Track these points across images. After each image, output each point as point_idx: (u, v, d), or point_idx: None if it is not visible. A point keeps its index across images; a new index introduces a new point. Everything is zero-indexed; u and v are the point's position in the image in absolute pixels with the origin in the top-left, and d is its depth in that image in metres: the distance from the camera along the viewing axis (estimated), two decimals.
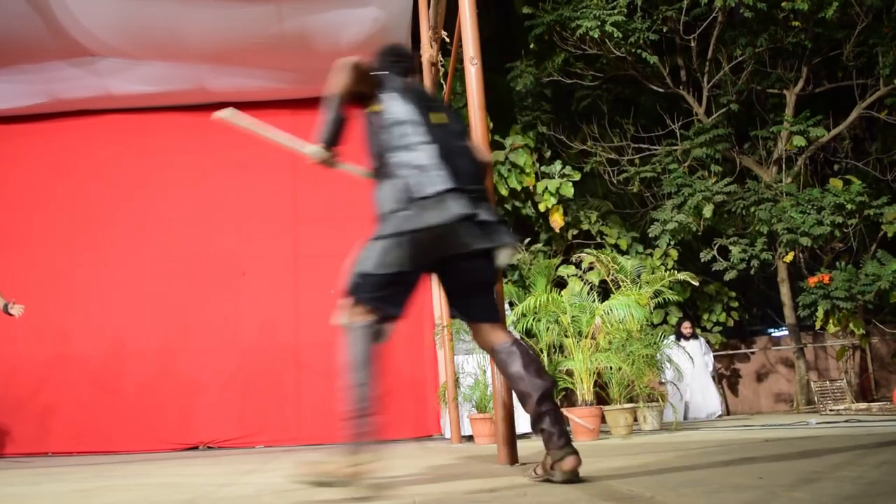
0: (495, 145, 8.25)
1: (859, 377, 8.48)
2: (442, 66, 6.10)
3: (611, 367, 5.60)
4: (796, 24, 8.14)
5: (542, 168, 8.52)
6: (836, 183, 7.90)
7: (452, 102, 7.73)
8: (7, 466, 5.42)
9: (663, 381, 6.59)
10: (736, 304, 8.87)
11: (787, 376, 9.00)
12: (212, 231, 7.35)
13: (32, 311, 6.24)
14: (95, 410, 6.87)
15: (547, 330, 5.71)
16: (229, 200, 7.40)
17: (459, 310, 2.52)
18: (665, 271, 6.62)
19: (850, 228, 7.75)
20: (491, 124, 7.24)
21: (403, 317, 2.37)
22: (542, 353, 5.75)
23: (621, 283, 6.27)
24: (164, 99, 7.39)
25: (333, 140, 2.45)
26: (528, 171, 8.29)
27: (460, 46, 3.79)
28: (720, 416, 7.86)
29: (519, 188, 8.30)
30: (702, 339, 8.26)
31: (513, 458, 3.27)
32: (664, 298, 6.40)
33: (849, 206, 7.38)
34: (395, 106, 2.43)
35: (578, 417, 5.21)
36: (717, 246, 8.16)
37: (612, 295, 5.93)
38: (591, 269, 6.66)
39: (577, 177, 8.44)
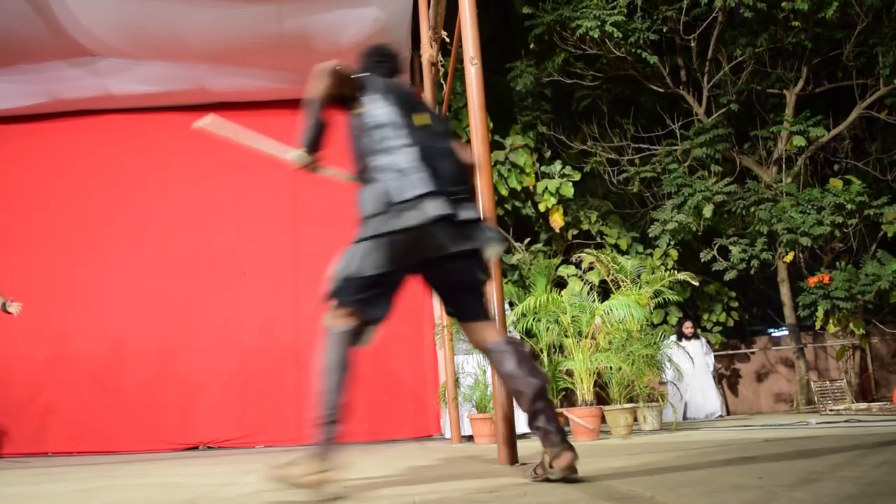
0: (495, 145, 8.26)
1: (859, 377, 8.48)
2: (442, 66, 6.10)
3: (611, 367, 5.60)
4: (796, 24, 8.14)
5: (542, 168, 8.52)
6: (836, 183, 7.90)
7: (452, 102, 7.73)
8: (7, 466, 5.42)
9: (664, 380, 6.59)
10: (736, 304, 8.87)
11: (787, 376, 9.00)
12: (212, 231, 7.35)
13: (33, 310, 6.25)
14: (95, 410, 6.87)
15: (547, 330, 5.71)
16: (229, 200, 7.41)
17: (450, 309, 2.53)
18: (665, 271, 6.62)
19: (850, 228, 7.75)
20: (491, 124, 7.24)
21: (386, 319, 2.36)
22: (542, 353, 5.75)
23: (621, 283, 6.27)
24: (164, 99, 7.39)
25: (315, 145, 2.45)
26: (528, 171, 8.29)
27: (460, 46, 3.79)
28: (720, 416, 7.86)
29: (519, 188, 8.30)
30: (703, 339, 8.26)
31: (513, 458, 3.27)
32: (664, 298, 6.40)
33: (849, 206, 7.38)
34: (376, 108, 2.43)
35: (578, 417, 5.21)
36: (717, 246, 8.16)
37: (612, 295, 5.93)
38: (591, 269, 6.66)
39: (577, 177, 8.44)
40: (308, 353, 6.99)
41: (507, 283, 6.67)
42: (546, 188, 8.28)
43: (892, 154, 8.60)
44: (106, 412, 6.87)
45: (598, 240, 8.66)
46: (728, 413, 8.44)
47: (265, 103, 7.31)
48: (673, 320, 8.31)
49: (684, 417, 7.54)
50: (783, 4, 7.72)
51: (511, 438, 3.31)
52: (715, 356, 8.47)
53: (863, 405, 6.87)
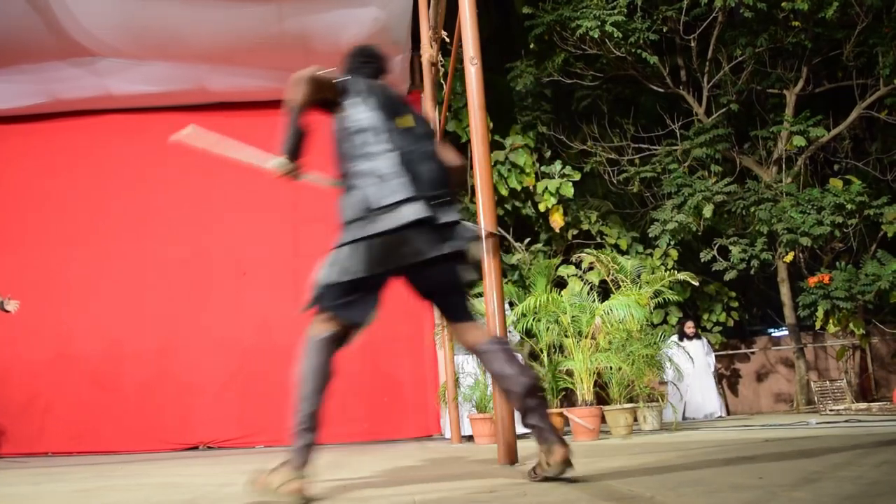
0: (495, 145, 8.25)
1: (859, 377, 8.48)
2: (442, 66, 6.10)
3: (611, 367, 5.59)
4: (796, 24, 8.14)
5: (542, 168, 8.52)
6: (836, 183, 7.90)
7: (452, 102, 7.73)
8: (6, 466, 5.42)
9: (664, 380, 6.59)
10: (736, 304, 8.87)
11: (787, 376, 9.00)
12: (212, 231, 7.35)
13: (33, 310, 6.25)
14: (95, 411, 6.87)
15: (547, 330, 5.71)
16: (229, 200, 7.41)
17: (443, 308, 2.52)
18: (665, 271, 6.62)
19: (850, 228, 7.75)
20: (491, 124, 7.24)
21: (367, 324, 2.36)
22: (542, 353, 5.76)
23: (621, 283, 6.27)
24: (165, 99, 7.39)
25: (295, 152, 2.45)
26: (528, 171, 8.29)
27: (460, 46, 3.79)
28: (720, 417, 7.86)
29: (519, 188, 8.30)
30: (704, 339, 8.26)
31: (513, 458, 3.27)
32: (664, 298, 6.40)
33: (849, 206, 7.38)
34: (357, 113, 2.42)
35: (578, 417, 5.21)
36: (717, 246, 8.16)
37: (612, 295, 5.93)
38: (591, 269, 6.66)
39: (577, 177, 8.44)
40: None
41: (507, 283, 6.67)
42: (546, 188, 8.28)
43: (892, 154, 8.60)
44: (105, 412, 6.86)
45: (598, 240, 8.66)
46: (728, 413, 8.44)
47: (265, 103, 7.31)
48: (673, 320, 8.30)
49: (683, 417, 7.54)
50: (783, 4, 7.72)
51: (511, 438, 3.31)
52: (715, 356, 8.47)
53: (863, 405, 6.87)
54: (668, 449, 3.62)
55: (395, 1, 6.49)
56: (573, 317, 5.64)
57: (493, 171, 7.89)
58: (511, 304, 5.86)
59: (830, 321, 7.48)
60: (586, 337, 5.58)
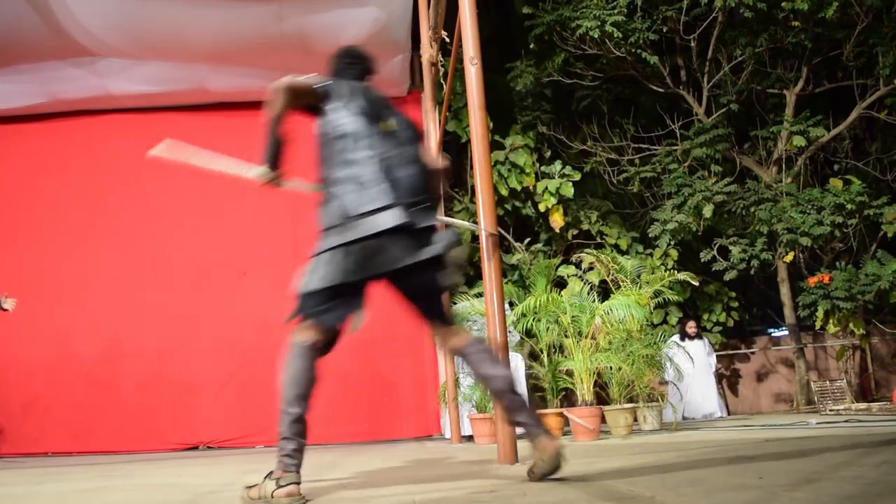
0: (495, 145, 8.25)
1: (859, 377, 8.48)
2: (442, 66, 6.10)
3: (611, 367, 5.59)
4: (796, 24, 8.14)
5: (542, 168, 8.52)
6: (836, 183, 7.90)
7: (452, 102, 7.74)
8: (6, 466, 5.42)
9: (666, 380, 6.58)
10: (736, 304, 8.87)
11: (787, 376, 9.00)
12: (211, 231, 7.35)
13: (32, 310, 6.24)
14: (95, 411, 6.87)
15: (547, 330, 5.71)
16: (229, 200, 7.40)
17: (421, 313, 2.52)
18: (665, 271, 6.62)
19: (850, 228, 7.75)
20: (491, 124, 7.24)
21: (355, 329, 2.36)
22: (542, 353, 5.76)
23: (621, 283, 6.27)
24: (164, 99, 7.39)
25: (275, 162, 2.48)
26: (528, 171, 8.29)
27: (460, 46, 3.79)
28: (720, 417, 7.85)
29: (519, 188, 8.30)
30: (706, 339, 8.25)
31: (513, 458, 3.27)
32: (664, 298, 6.40)
33: (849, 206, 7.38)
34: (338, 118, 2.41)
35: (578, 417, 5.21)
36: (717, 246, 8.15)
37: (612, 295, 5.93)
38: (591, 269, 6.66)
39: (577, 177, 8.44)
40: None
41: (507, 283, 6.67)
42: (546, 188, 8.28)
43: (892, 154, 8.60)
44: (105, 412, 6.87)
45: (598, 240, 8.66)
46: (728, 413, 8.43)
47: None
48: (673, 320, 8.30)
49: (683, 417, 7.53)
50: (783, 4, 7.72)
51: (511, 438, 3.31)
52: (715, 356, 8.47)
53: (863, 405, 6.87)
54: (668, 449, 3.62)
55: (395, 1, 6.49)
56: (573, 317, 5.64)
57: (493, 171, 7.89)
58: (511, 304, 5.86)
59: (830, 321, 7.48)
60: (586, 337, 5.58)
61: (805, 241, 7.41)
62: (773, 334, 9.89)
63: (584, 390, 5.45)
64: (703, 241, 8.46)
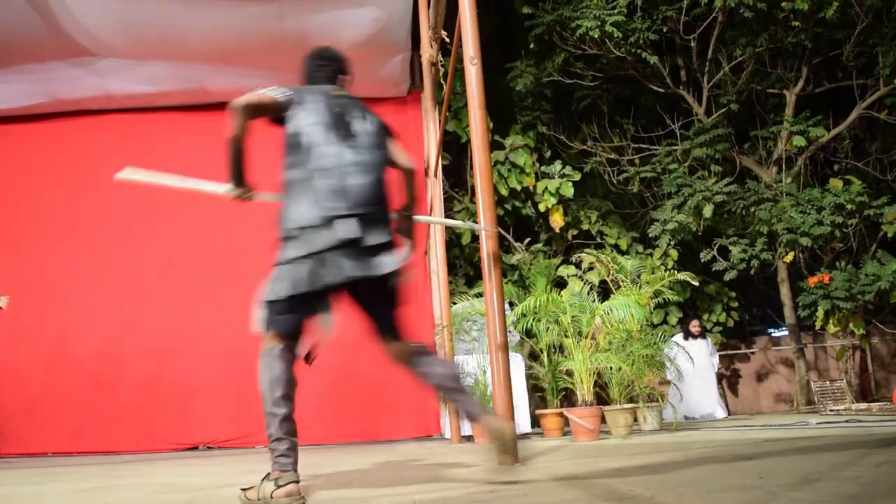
0: (495, 145, 8.26)
1: (859, 377, 8.48)
2: (442, 66, 6.10)
3: (611, 367, 5.59)
4: (796, 24, 8.14)
5: (542, 168, 8.52)
6: (836, 183, 7.90)
7: (452, 102, 7.74)
8: (6, 466, 5.42)
9: (665, 380, 6.58)
10: (736, 305, 8.87)
11: (787, 376, 9.00)
12: (211, 230, 7.34)
13: (32, 311, 6.24)
14: (95, 411, 6.87)
15: (547, 330, 5.70)
16: (228, 201, 7.39)
17: (372, 324, 2.53)
18: (665, 271, 6.61)
19: (850, 228, 7.75)
20: (491, 124, 7.24)
21: (325, 336, 2.39)
22: (542, 353, 5.75)
23: (621, 283, 6.27)
24: (164, 99, 7.39)
25: (240, 178, 2.52)
26: (528, 171, 8.29)
27: (460, 46, 3.78)
28: (721, 417, 7.84)
29: (519, 188, 8.30)
30: (709, 339, 8.23)
31: (513, 458, 3.26)
32: (664, 298, 6.40)
33: (849, 206, 7.38)
34: (297, 127, 2.40)
35: (578, 417, 5.21)
36: (717, 246, 8.16)
37: (612, 295, 5.93)
38: (591, 269, 6.66)
39: (577, 177, 8.44)
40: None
41: (507, 283, 6.67)
42: (546, 188, 8.28)
43: (892, 154, 8.60)
44: (105, 412, 6.86)
45: (598, 240, 8.66)
46: (728, 413, 8.43)
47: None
48: (673, 320, 8.30)
49: (683, 417, 7.52)
50: (783, 4, 7.72)
51: (511, 438, 3.30)
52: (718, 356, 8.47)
53: (863, 405, 6.87)
54: (668, 449, 3.61)
55: (395, 1, 6.49)
56: (573, 317, 5.64)
57: (494, 171, 7.89)
58: (511, 304, 5.86)
59: (830, 321, 7.48)
60: (586, 337, 5.57)
61: (805, 241, 7.41)
62: (773, 334, 9.90)
63: (584, 390, 5.45)
64: (703, 241, 8.46)
